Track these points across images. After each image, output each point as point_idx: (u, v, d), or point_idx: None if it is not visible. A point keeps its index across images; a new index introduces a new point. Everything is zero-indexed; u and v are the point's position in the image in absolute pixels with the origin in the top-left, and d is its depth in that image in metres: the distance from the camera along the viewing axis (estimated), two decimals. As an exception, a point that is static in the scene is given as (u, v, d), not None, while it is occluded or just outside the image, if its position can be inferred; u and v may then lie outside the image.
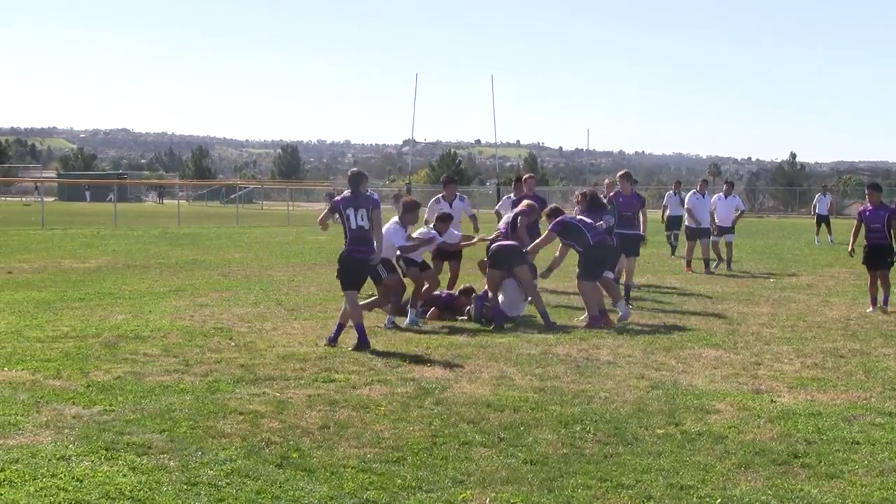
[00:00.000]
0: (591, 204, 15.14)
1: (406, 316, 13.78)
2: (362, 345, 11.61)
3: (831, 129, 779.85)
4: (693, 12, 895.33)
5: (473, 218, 17.54)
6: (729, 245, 23.20)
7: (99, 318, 13.83)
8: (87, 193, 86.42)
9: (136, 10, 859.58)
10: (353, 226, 11.94)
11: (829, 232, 34.92)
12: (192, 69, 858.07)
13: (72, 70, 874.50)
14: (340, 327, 11.99)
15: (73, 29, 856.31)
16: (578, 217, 14.62)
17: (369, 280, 12.98)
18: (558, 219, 14.30)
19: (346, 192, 12.21)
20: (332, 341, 11.83)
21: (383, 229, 13.10)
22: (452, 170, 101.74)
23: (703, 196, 22.93)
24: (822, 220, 35.38)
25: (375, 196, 12.50)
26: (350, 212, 11.95)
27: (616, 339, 12.50)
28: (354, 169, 12.87)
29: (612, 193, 17.64)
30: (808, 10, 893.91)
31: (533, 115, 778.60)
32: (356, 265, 12.09)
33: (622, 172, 17.88)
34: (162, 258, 25.11)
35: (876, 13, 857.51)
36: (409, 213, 14.40)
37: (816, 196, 37.48)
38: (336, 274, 12.37)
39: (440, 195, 17.19)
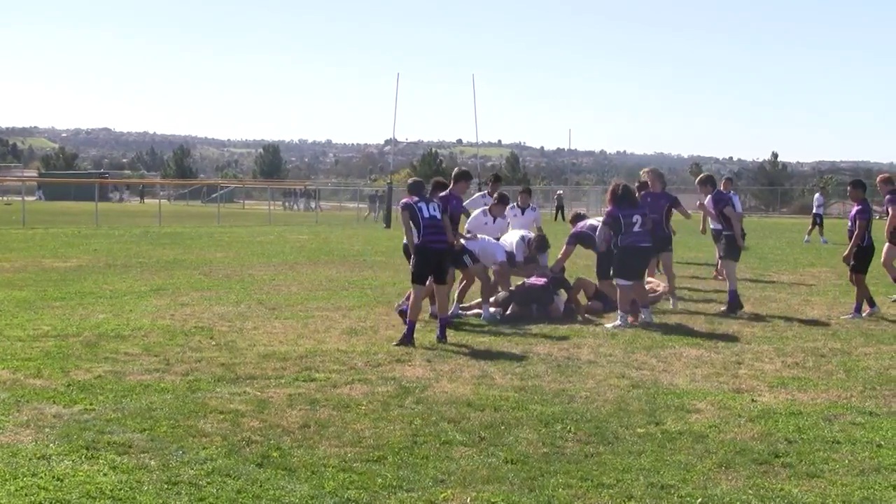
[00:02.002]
0: (624, 198, 14.27)
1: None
2: (406, 339, 11.91)
3: (813, 128, 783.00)
4: (675, 12, 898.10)
5: (539, 230, 17.39)
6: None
7: (80, 317, 13.79)
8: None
9: (118, 8, 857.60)
10: (427, 215, 12.42)
11: (809, 232, 35.18)
12: (174, 68, 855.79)
13: (53, 69, 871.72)
14: (410, 324, 12.14)
15: (55, 28, 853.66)
16: (589, 223, 15.31)
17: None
18: (572, 231, 15.40)
19: (411, 197, 12.69)
20: (407, 339, 11.95)
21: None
22: (434, 169, 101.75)
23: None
24: (818, 218, 35.54)
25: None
26: (422, 205, 12.50)
27: (597, 339, 12.52)
28: (415, 178, 13.87)
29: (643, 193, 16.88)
30: (791, 10, 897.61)
31: (514, 114, 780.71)
32: (433, 256, 12.41)
33: (651, 169, 17.15)
34: (143, 257, 25.03)
35: (858, 14, 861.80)
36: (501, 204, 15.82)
37: (816, 196, 37.62)
38: (410, 266, 12.66)
39: (486, 191, 17.50)
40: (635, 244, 14.05)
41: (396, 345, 11.78)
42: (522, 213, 17.30)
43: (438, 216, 12.52)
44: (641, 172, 17.17)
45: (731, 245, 15.68)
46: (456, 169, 15.87)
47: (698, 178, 16.75)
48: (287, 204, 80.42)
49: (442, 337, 12.16)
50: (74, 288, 17.46)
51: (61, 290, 17.13)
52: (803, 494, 6.43)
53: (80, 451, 7.15)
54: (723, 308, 15.30)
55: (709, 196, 16.27)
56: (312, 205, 74.88)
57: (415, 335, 12.00)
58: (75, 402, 8.66)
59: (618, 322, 13.63)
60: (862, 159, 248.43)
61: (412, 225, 12.47)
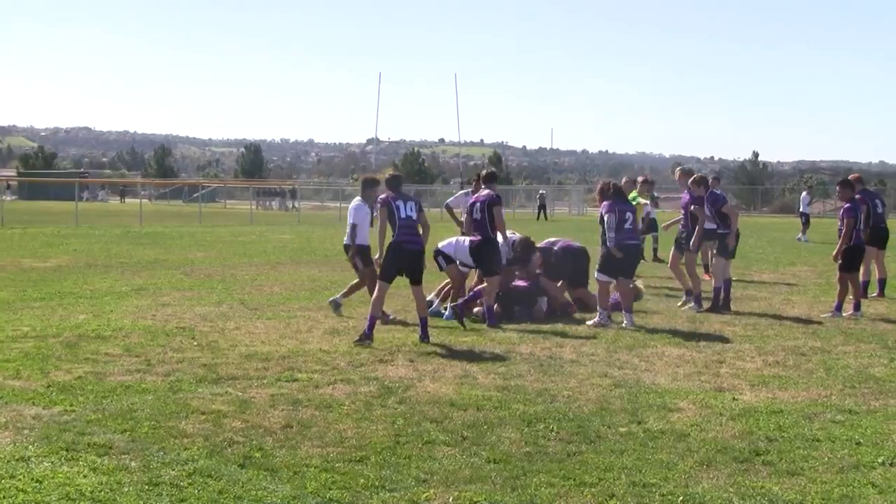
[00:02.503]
0: (617, 194, 14.24)
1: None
2: (366, 337, 11.87)
3: (794, 128, 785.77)
4: (656, 12, 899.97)
5: None
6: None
7: (59, 317, 13.73)
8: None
9: (99, 6, 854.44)
10: (403, 215, 12.34)
11: (803, 231, 35.35)
12: (156, 67, 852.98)
13: (32, 67, 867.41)
14: (371, 318, 12.11)
15: (34, 25, 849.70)
16: (546, 242, 15.80)
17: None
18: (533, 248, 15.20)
19: (389, 193, 12.63)
20: (366, 335, 11.94)
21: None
22: (416, 168, 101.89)
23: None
24: (805, 217, 35.69)
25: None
26: (399, 203, 12.39)
27: (579, 338, 12.54)
28: (393, 171, 13.46)
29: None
30: (771, 10, 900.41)
31: (497, 113, 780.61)
32: (404, 255, 12.32)
33: (681, 167, 17.56)
34: (124, 257, 24.94)
35: (840, 13, 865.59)
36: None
37: (803, 195, 37.73)
38: (381, 261, 12.51)
39: (469, 189, 17.60)
40: (624, 241, 13.92)
41: (356, 342, 11.77)
42: None
43: (415, 216, 12.46)
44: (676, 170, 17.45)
45: (725, 243, 15.76)
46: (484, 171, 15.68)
47: (691, 178, 16.77)
48: (262, 203, 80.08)
49: (424, 337, 12.12)
50: (54, 288, 17.38)
51: (41, 290, 17.06)
52: (784, 492, 6.46)
53: (60, 452, 7.12)
54: (706, 306, 15.37)
55: (702, 196, 16.30)
56: (289, 204, 74.75)
57: (398, 335, 11.98)
58: (55, 403, 8.62)
59: (597, 319, 13.67)
60: (842, 159, 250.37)
61: (388, 223, 12.40)
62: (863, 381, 10.00)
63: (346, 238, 14.31)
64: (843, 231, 14.93)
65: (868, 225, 16.77)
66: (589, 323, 13.53)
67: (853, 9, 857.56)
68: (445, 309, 14.36)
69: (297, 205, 68.58)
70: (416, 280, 12.45)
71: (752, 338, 12.71)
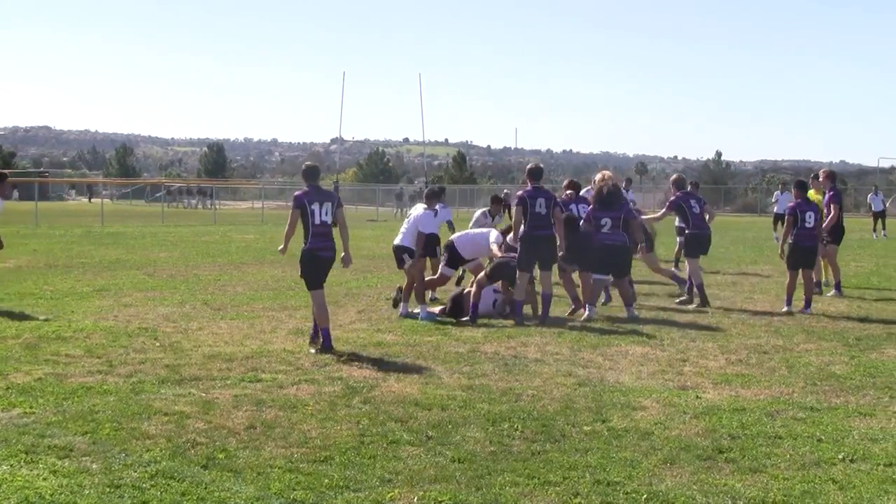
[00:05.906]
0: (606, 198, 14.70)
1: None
2: (325, 348, 11.32)
3: (756, 128, 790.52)
4: (618, 12, 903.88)
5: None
6: None
7: (19, 318, 13.60)
8: None
9: (57, 4, 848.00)
10: (317, 221, 11.46)
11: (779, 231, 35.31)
12: (116, 65, 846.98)
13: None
14: (324, 331, 11.47)
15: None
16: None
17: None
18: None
19: (305, 188, 11.73)
20: (326, 347, 11.34)
21: (413, 216, 14.74)
22: (381, 168, 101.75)
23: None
24: (780, 217, 35.64)
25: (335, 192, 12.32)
26: (315, 207, 11.48)
27: (544, 337, 12.56)
28: (309, 163, 12.72)
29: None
30: (733, 10, 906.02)
31: (461, 113, 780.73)
32: (322, 263, 11.64)
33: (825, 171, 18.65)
34: (85, 258, 24.76)
35: (798, 15, 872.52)
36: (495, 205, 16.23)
37: (776, 193, 37.75)
38: (300, 273, 11.92)
39: (486, 209, 18.11)
40: (603, 241, 14.53)
41: (318, 352, 11.27)
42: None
43: (329, 221, 11.59)
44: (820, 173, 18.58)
45: (836, 233, 17.89)
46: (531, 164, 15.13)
47: (828, 175, 18.06)
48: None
49: (326, 343, 11.41)
50: (14, 289, 17.23)
51: (0, 291, 16.89)
52: (746, 489, 6.49)
53: (19, 455, 7.05)
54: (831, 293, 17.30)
55: (829, 192, 17.89)
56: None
57: (362, 335, 11.91)
58: (14, 405, 8.54)
59: (587, 313, 14.26)
60: (804, 158, 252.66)
61: (300, 224, 11.61)
62: (824, 379, 10.07)
63: None
64: (785, 229, 15.67)
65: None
66: (581, 319, 14.15)
67: (814, 10, 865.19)
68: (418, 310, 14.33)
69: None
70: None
71: (715, 336, 12.77)
